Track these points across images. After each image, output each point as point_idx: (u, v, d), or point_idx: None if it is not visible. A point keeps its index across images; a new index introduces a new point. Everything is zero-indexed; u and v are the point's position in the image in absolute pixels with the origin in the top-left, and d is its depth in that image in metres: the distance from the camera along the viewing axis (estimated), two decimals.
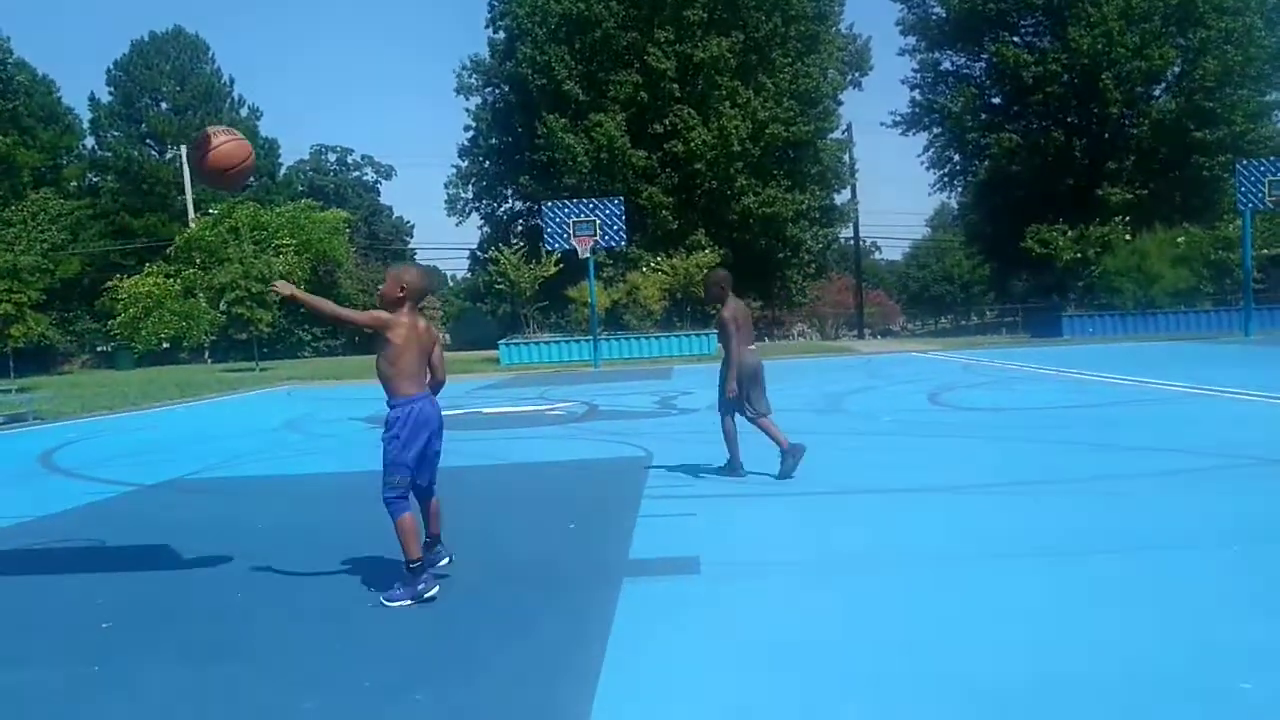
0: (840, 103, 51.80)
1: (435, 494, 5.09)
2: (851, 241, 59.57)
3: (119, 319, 39.20)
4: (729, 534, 5.97)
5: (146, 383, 29.69)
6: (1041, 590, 4.51)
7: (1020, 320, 51.32)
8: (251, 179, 4.45)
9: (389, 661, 3.89)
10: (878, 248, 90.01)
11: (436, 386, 5.05)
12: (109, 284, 42.18)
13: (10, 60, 47.76)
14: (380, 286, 5.00)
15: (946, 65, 53.60)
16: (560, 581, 5.02)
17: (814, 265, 53.04)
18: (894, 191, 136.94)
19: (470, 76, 55.55)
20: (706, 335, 33.78)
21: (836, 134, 52.19)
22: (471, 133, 56.93)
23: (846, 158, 53.48)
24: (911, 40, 53.04)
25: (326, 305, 4.96)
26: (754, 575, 4.93)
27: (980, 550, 5.29)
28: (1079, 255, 39.31)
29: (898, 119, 53.73)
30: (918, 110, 53.19)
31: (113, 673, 3.90)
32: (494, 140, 56.07)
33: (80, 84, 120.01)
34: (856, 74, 53.57)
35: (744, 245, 47.24)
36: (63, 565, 6.03)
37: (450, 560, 5.13)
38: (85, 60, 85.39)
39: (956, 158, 54.68)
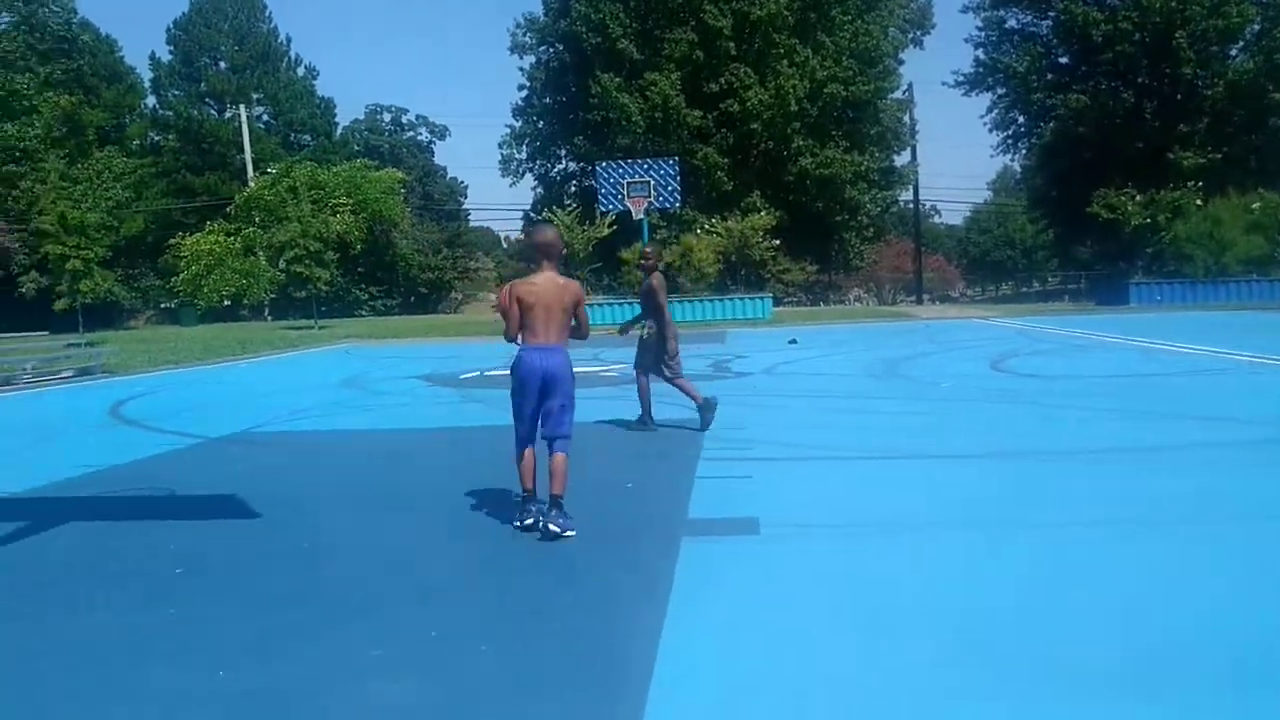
0: (901, 62, 50.85)
1: (559, 451, 5.13)
2: (910, 204, 58.51)
3: (182, 276, 39.99)
4: (787, 497, 5.94)
5: (209, 339, 30.33)
6: (1106, 560, 4.42)
7: (1084, 287, 50.17)
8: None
9: (454, 613, 3.94)
10: (937, 211, 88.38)
11: (580, 338, 5.47)
12: (172, 242, 43.01)
13: (75, 20, 48.60)
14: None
15: (1012, 23, 52.10)
16: (620, 538, 5.04)
17: (872, 228, 52.32)
18: (955, 154, 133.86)
19: (525, 35, 55.35)
20: (762, 299, 33.55)
21: (897, 94, 51.25)
22: (525, 92, 56.82)
23: (907, 118, 52.48)
24: None
25: (510, 329, 5.25)
26: (813, 538, 4.91)
27: (1041, 518, 5.19)
28: (1148, 221, 38.20)
29: (960, 79, 52.47)
30: (981, 70, 51.79)
31: (188, 617, 4.01)
32: (548, 100, 55.90)
33: (142, 43, 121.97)
34: (918, 32, 52.43)
35: (800, 207, 46.68)
36: (135, 513, 6.21)
37: (567, 530, 4.97)
38: (146, 20, 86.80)
39: (1021, 119, 53.26)
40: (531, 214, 56.18)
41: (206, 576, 4.61)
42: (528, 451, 5.21)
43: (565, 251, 5.45)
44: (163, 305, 54.99)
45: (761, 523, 5.16)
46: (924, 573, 4.29)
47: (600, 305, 34.52)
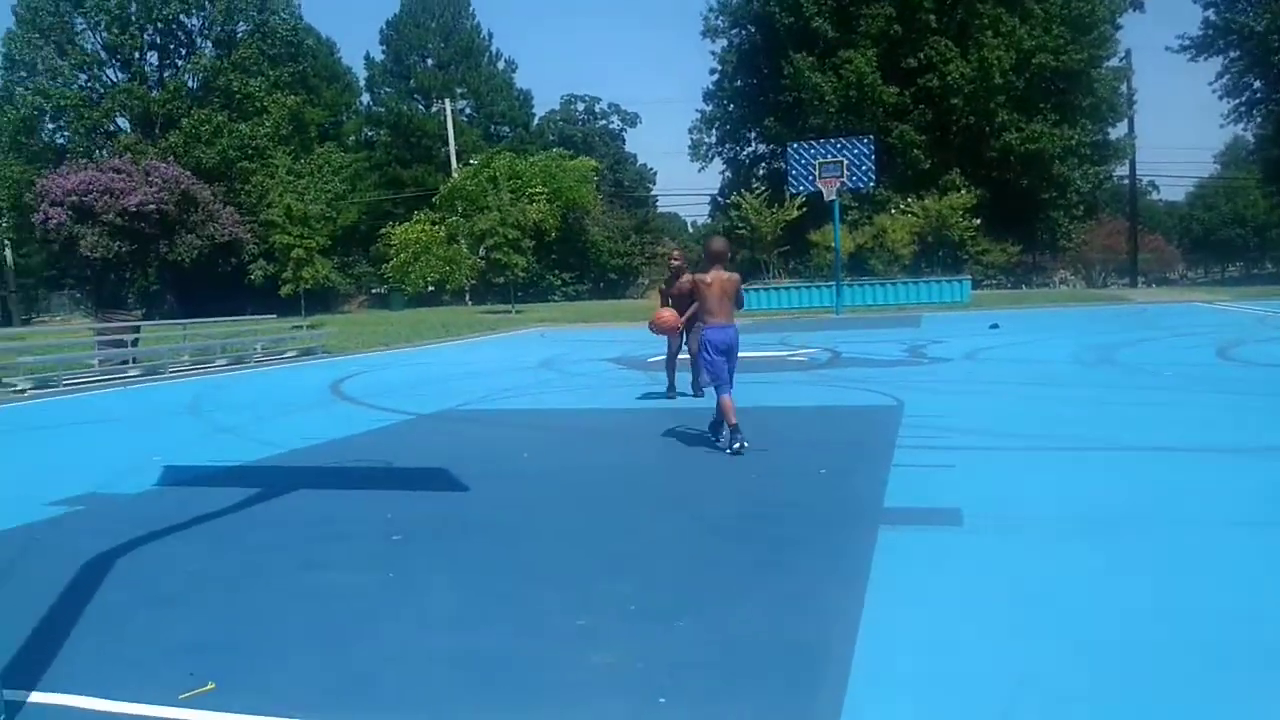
0: (1119, 27, 47.34)
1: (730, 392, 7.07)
2: (1126, 180, 54.48)
3: (391, 263, 42.53)
4: (991, 487, 5.69)
5: (416, 322, 32.14)
6: None
7: None
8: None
9: (652, 588, 4.01)
10: (1155, 187, 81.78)
11: (739, 309, 7.34)
12: (382, 231, 45.76)
13: (300, 25, 52.33)
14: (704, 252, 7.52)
15: None
16: (815, 524, 4.98)
17: (1082, 206, 49.13)
18: (1178, 125, 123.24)
19: (717, 18, 55.22)
20: (960, 281, 32.26)
21: (1113, 62, 47.73)
22: (716, 76, 56.80)
23: (1124, 88, 48.80)
24: None
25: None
26: (1020, 530, 4.68)
27: (1273, 518, 4.74)
28: None
29: (1186, 43, 48.17)
30: (1211, 32, 47.35)
31: (406, 580, 4.28)
32: (739, 82, 55.65)
33: (358, 44, 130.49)
34: None
35: (1003, 185, 44.47)
36: (357, 482, 6.68)
37: (744, 445, 6.78)
38: (362, 21, 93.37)
39: (1258, 84, 48.34)
40: (719, 199, 56.24)
41: (421, 543, 4.90)
42: (727, 398, 6.98)
43: (730, 253, 7.49)
44: (373, 290, 58.70)
45: (964, 514, 4.97)
46: (1140, 572, 4.00)
47: (787, 289, 34.13)
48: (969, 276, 33.74)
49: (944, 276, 33.43)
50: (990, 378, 11.70)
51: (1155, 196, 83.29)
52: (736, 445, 6.78)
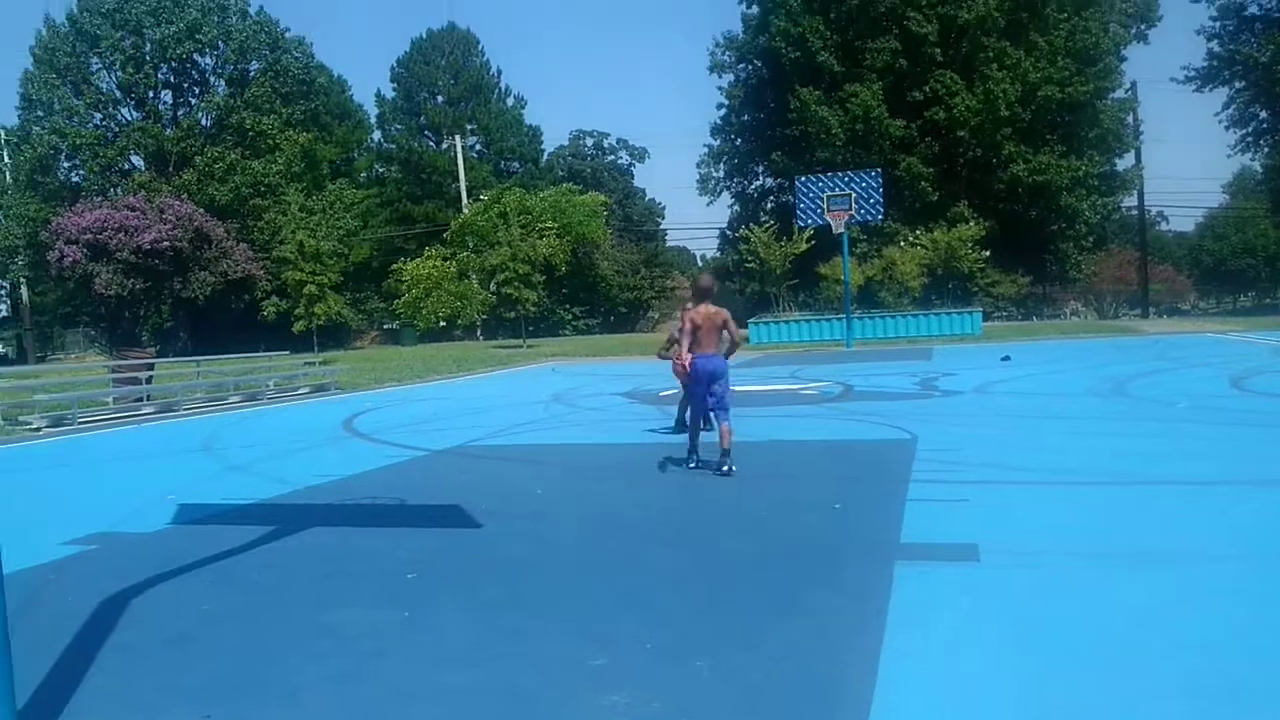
0: (1123, 59, 47.54)
1: (726, 421, 7.63)
2: (1135, 211, 54.53)
3: (403, 299, 42.71)
4: (1008, 522, 5.66)
5: (428, 358, 32.21)
6: None
7: None
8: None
9: (667, 627, 3.98)
10: (1164, 218, 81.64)
11: (733, 348, 7.89)
12: (394, 267, 46.01)
13: (312, 64, 52.91)
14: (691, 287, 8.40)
15: (1253, 9, 47.53)
16: (831, 561, 4.95)
17: (1091, 237, 49.05)
18: (1185, 155, 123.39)
19: (723, 54, 55.67)
20: (970, 314, 32.20)
21: (1118, 93, 47.92)
22: (724, 111, 57.17)
23: (1130, 119, 48.96)
24: None
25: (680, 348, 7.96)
26: (1039, 566, 4.64)
27: None
28: None
29: (1191, 74, 48.43)
30: (1216, 63, 47.61)
31: (421, 619, 4.26)
32: (746, 117, 56.01)
33: (369, 82, 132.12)
34: (1142, 26, 48.87)
35: (1012, 216, 44.50)
36: (371, 519, 6.67)
37: (732, 470, 7.44)
38: (373, 60, 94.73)
39: (1263, 114, 48.47)
40: (728, 232, 56.46)
41: (435, 581, 4.89)
42: (701, 420, 7.93)
43: (716, 289, 8.12)
44: (385, 326, 58.87)
45: (981, 549, 4.94)
46: (1157, 605, 3.97)
47: (797, 322, 34.10)
48: (980, 308, 33.69)
49: (954, 308, 33.39)
50: (1003, 410, 11.66)
51: (1164, 227, 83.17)
52: (691, 465, 7.92)
